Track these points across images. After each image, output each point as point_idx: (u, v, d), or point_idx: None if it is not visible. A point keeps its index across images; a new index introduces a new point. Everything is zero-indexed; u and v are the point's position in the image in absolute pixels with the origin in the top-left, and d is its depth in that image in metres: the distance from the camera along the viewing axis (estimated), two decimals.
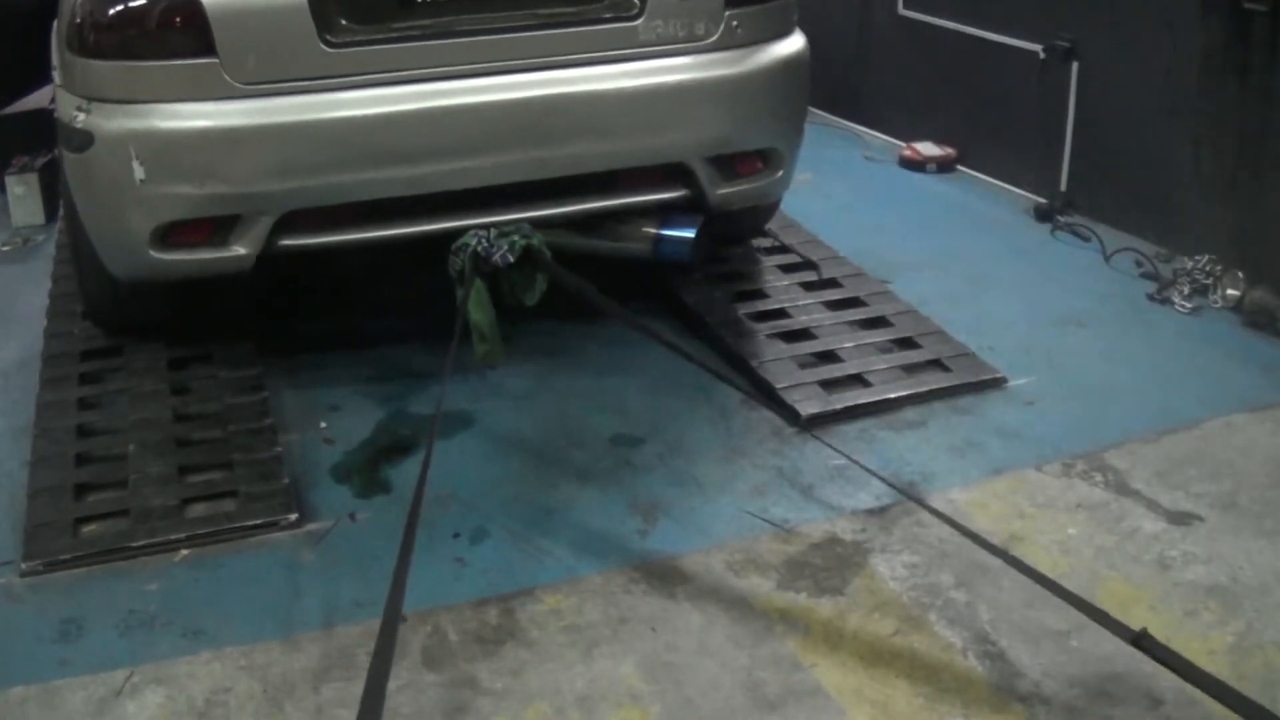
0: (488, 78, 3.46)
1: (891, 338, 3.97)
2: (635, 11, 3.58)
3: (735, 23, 3.67)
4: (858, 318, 4.08)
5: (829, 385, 3.68)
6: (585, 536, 3.08)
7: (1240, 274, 4.21)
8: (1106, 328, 4.13)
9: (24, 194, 5.16)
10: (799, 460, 3.37)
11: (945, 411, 3.60)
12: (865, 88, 6.32)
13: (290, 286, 4.10)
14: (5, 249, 4.98)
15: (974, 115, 5.57)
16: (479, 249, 3.40)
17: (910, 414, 3.59)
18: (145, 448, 3.36)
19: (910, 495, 3.10)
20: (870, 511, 3.15)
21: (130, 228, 3.37)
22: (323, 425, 3.60)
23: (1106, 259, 4.61)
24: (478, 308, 3.40)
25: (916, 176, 5.64)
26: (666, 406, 3.66)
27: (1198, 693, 2.42)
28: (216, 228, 3.39)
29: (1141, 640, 2.36)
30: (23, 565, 2.94)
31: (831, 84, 6.12)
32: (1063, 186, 5.06)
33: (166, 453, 3.35)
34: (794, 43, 3.87)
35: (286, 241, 3.45)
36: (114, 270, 3.56)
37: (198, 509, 3.16)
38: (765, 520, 3.12)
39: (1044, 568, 2.70)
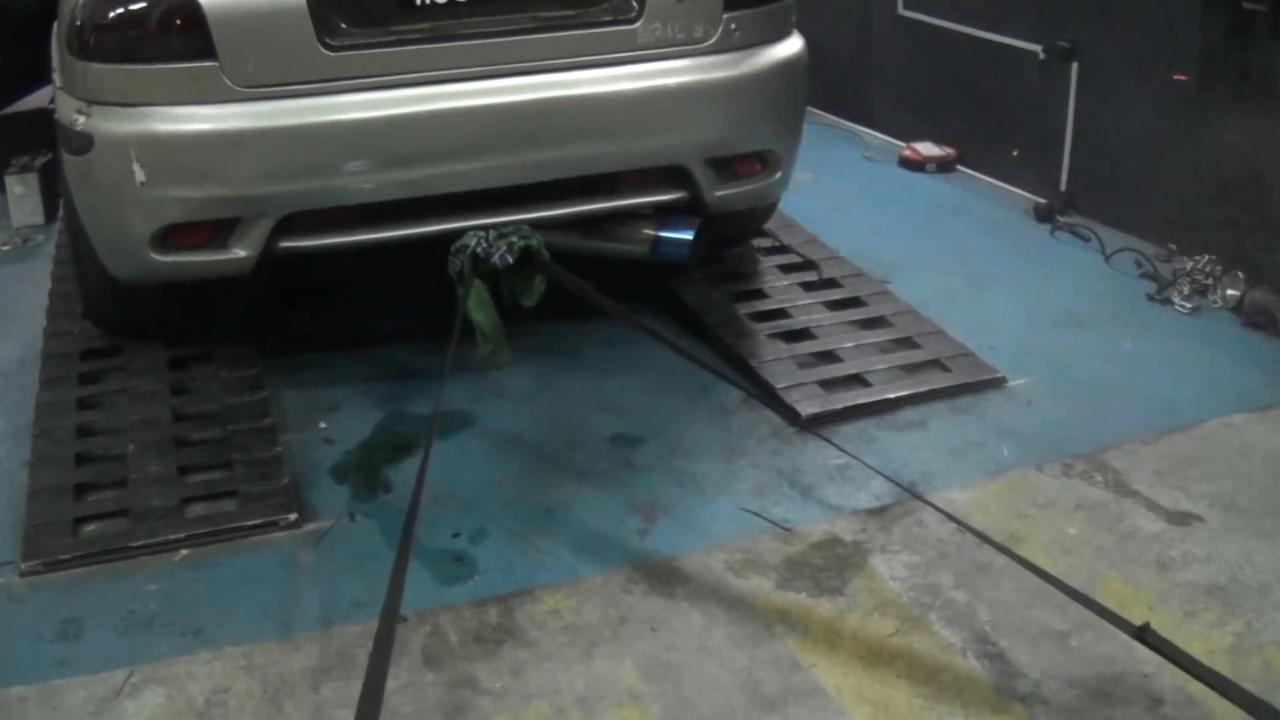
0: (487, 81, 3.46)
1: (891, 338, 3.97)
2: (634, 15, 3.57)
3: (733, 25, 3.67)
4: (858, 318, 4.08)
5: (829, 385, 3.68)
6: (585, 536, 3.09)
7: (1240, 274, 4.21)
8: (1106, 328, 4.13)
9: (24, 194, 5.16)
10: (799, 460, 3.37)
11: (945, 411, 3.60)
12: (865, 88, 6.32)
13: (290, 287, 4.10)
14: (5, 249, 4.98)
15: (974, 115, 5.56)
16: (478, 250, 3.40)
17: (910, 414, 3.59)
18: (145, 448, 3.36)
19: (914, 493, 3.11)
20: (870, 511, 3.15)
21: (130, 230, 3.38)
22: (323, 425, 3.60)
23: (1106, 259, 4.61)
24: (479, 308, 3.40)
25: (916, 176, 5.64)
26: (666, 406, 3.66)
27: (1197, 692, 2.43)
28: (216, 230, 3.40)
29: (1144, 634, 2.36)
30: (23, 565, 2.95)
31: (831, 84, 6.12)
32: (1063, 186, 5.06)
33: (166, 453, 3.35)
34: (792, 45, 3.87)
35: (286, 243, 3.46)
36: (114, 272, 3.56)
37: (197, 509, 3.16)
38: (765, 520, 3.12)
39: (1043, 568, 2.70)
